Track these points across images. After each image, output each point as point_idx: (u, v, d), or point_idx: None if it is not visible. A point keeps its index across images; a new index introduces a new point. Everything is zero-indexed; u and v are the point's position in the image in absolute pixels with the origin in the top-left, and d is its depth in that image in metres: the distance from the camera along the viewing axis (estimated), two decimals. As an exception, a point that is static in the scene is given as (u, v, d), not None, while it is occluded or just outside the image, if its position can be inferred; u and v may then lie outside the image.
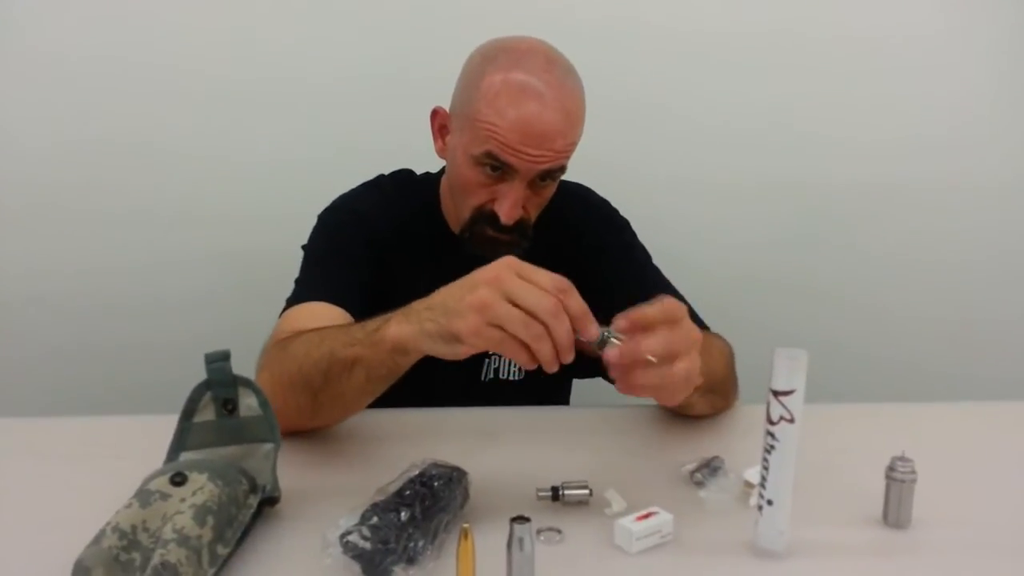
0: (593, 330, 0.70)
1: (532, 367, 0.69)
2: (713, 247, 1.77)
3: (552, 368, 0.69)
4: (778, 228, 1.79)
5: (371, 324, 0.80)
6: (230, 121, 1.65)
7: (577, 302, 0.69)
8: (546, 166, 0.99)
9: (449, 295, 0.73)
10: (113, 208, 1.68)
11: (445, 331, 0.71)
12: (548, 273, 0.70)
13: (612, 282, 1.12)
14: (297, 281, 1.08)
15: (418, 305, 0.76)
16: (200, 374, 0.79)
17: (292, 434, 0.89)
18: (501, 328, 0.67)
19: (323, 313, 0.97)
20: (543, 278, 0.69)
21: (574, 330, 0.69)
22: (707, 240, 1.76)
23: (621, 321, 0.70)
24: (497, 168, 0.99)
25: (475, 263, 0.73)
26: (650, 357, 0.69)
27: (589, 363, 0.81)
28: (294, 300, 1.02)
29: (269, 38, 1.62)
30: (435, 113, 1.10)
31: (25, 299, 1.70)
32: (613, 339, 0.70)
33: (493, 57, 1.00)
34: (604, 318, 0.73)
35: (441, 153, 1.11)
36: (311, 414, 0.88)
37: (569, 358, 0.69)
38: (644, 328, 0.70)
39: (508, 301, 0.67)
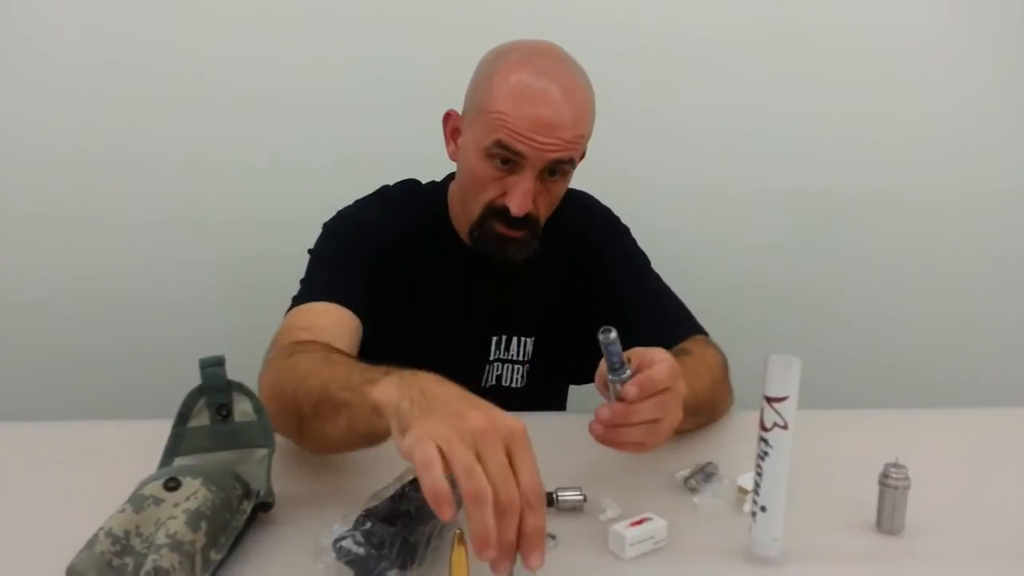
0: (535, 562, 0.59)
1: (447, 518, 0.58)
2: (711, 252, 1.77)
3: (479, 556, 0.58)
4: (775, 234, 1.80)
5: (372, 372, 0.73)
6: (229, 127, 1.65)
7: (537, 521, 0.59)
8: (555, 155, 0.99)
9: (445, 401, 0.65)
10: (109, 213, 1.68)
11: (406, 420, 0.64)
12: (533, 470, 0.61)
13: (612, 288, 1.14)
14: (303, 281, 1.08)
15: (418, 379, 0.69)
16: (195, 379, 0.79)
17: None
18: (444, 459, 0.58)
19: (329, 313, 0.97)
20: (524, 471, 0.60)
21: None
22: (704, 245, 1.77)
23: (631, 388, 0.72)
24: (507, 160, 1.00)
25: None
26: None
27: (587, 369, 0.81)
28: (300, 299, 1.02)
29: (269, 45, 1.62)
30: (447, 116, 1.11)
31: (21, 304, 1.70)
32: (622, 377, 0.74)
33: (505, 53, 1.03)
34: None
35: (453, 156, 1.11)
36: (297, 437, 0.86)
37: (501, 569, 0.59)
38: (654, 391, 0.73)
39: (476, 454, 0.59)
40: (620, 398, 0.74)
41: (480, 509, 0.57)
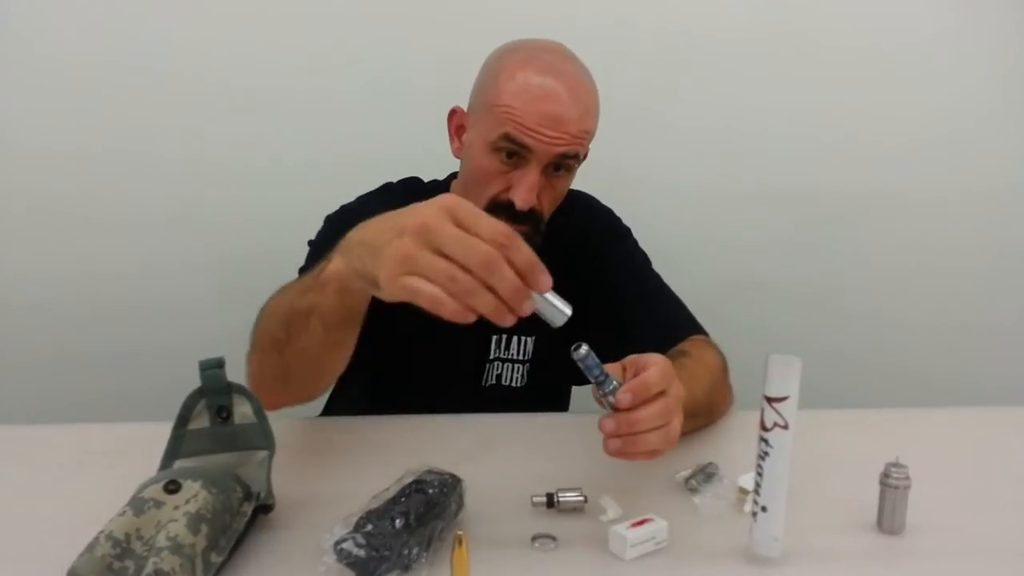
0: (544, 281, 0.63)
1: (470, 320, 0.62)
2: (711, 252, 1.77)
3: (504, 321, 0.62)
4: (775, 233, 1.80)
5: (316, 267, 0.76)
6: (228, 126, 1.65)
7: (522, 254, 0.62)
8: (561, 149, 1.00)
9: (377, 231, 0.67)
10: (109, 213, 1.68)
11: (368, 273, 0.66)
12: (489, 219, 0.62)
13: (613, 288, 1.14)
14: (300, 270, 1.08)
15: (352, 236, 0.72)
16: (195, 381, 0.79)
17: (280, 411, 0.87)
18: (426, 278, 0.61)
19: (289, 283, 0.97)
20: (482, 225, 0.62)
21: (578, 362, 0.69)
22: (705, 245, 1.77)
23: (625, 395, 0.72)
24: (513, 154, 1.01)
25: None
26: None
27: None
28: None
29: (269, 45, 1.63)
30: (453, 113, 1.11)
31: (20, 305, 1.70)
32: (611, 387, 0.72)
33: (512, 51, 1.04)
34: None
35: (457, 153, 1.12)
36: (282, 377, 0.86)
37: (524, 310, 0.63)
38: (647, 396, 0.72)
39: (435, 251, 0.61)
40: (615, 408, 0.73)
41: (477, 294, 0.61)
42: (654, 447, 0.73)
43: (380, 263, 0.64)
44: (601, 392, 0.73)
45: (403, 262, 0.62)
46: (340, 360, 0.85)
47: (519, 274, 0.62)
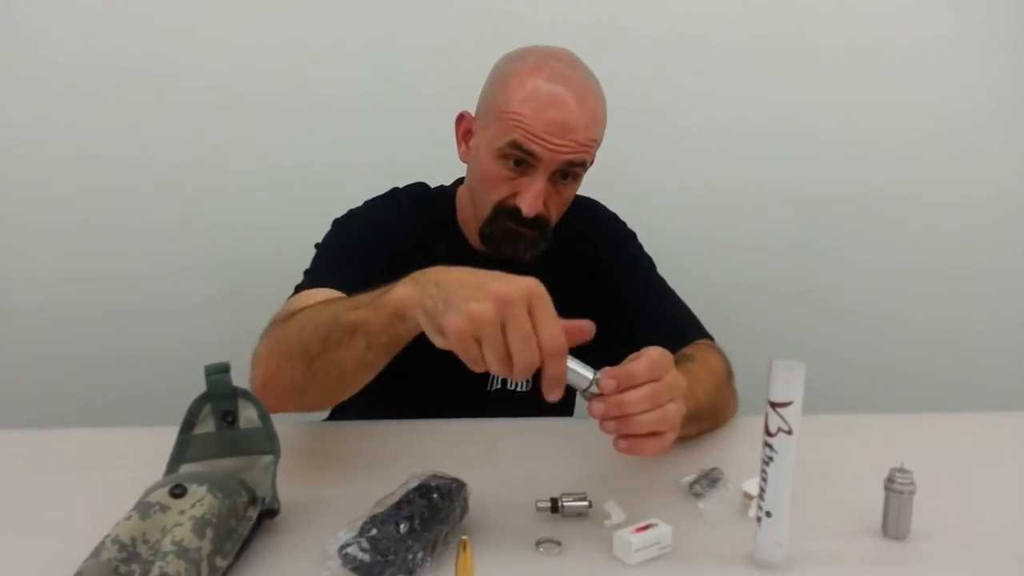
0: (552, 396, 0.69)
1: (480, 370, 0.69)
2: (715, 255, 1.77)
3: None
4: (779, 235, 1.79)
5: (379, 288, 0.79)
6: (230, 130, 1.65)
7: (557, 370, 0.68)
8: (568, 157, 1.00)
9: (460, 287, 0.71)
10: (112, 218, 1.68)
11: (436, 318, 0.70)
12: (553, 326, 0.67)
13: (617, 293, 1.14)
14: (307, 272, 1.08)
15: (431, 274, 0.75)
16: (200, 385, 0.79)
17: (285, 415, 0.87)
18: (479, 344, 0.67)
19: (334, 296, 0.97)
20: (546, 329, 0.67)
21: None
22: (709, 248, 1.76)
23: (608, 381, 0.71)
24: (520, 162, 1.01)
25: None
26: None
27: None
28: (304, 287, 1.03)
29: (272, 48, 1.63)
30: (460, 118, 1.12)
31: (24, 310, 1.70)
32: (596, 388, 0.71)
33: (520, 58, 1.04)
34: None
35: (464, 158, 1.12)
36: (302, 386, 0.86)
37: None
38: (631, 385, 0.71)
39: (502, 328, 0.66)
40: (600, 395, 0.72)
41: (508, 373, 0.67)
42: (650, 428, 0.71)
43: (453, 314, 0.68)
44: (586, 394, 0.72)
45: (476, 325, 0.66)
46: (365, 380, 0.86)
47: (543, 378, 0.68)
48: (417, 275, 0.76)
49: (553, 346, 0.67)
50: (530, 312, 0.67)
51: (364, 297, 0.80)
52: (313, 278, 1.04)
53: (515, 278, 0.68)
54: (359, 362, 0.82)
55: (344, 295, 0.95)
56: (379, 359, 0.83)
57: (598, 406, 0.71)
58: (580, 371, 0.71)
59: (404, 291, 0.75)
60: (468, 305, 0.67)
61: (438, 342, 0.71)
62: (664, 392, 0.72)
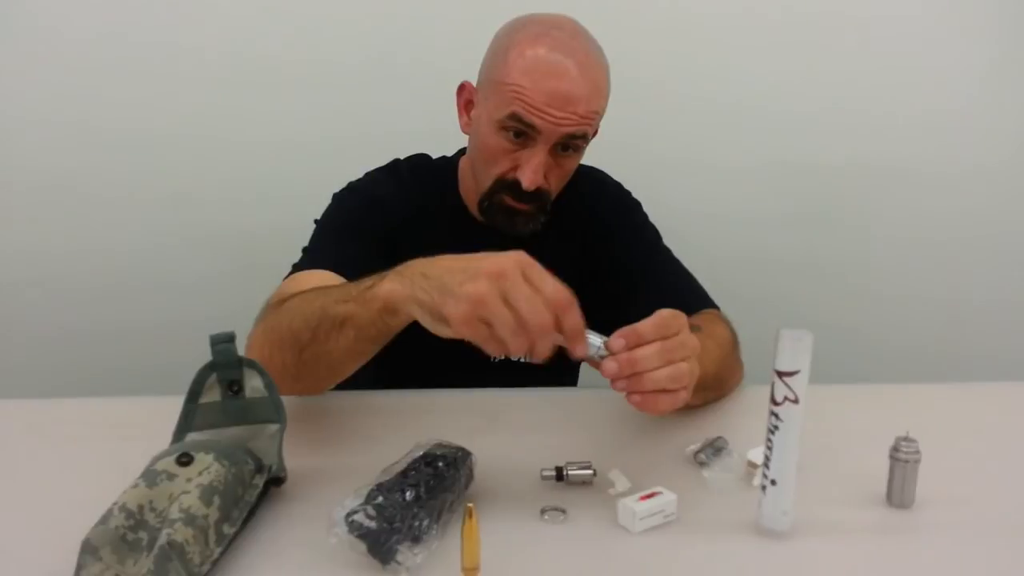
0: (579, 350, 0.70)
1: (500, 356, 0.69)
2: (721, 226, 1.76)
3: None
4: (786, 208, 1.79)
5: (366, 281, 0.79)
6: (232, 103, 1.64)
7: (574, 320, 0.68)
8: (569, 129, 0.99)
9: (449, 273, 0.70)
10: (115, 190, 1.68)
11: (435, 308, 0.70)
12: (553, 282, 0.68)
13: (623, 262, 1.14)
14: (305, 250, 1.08)
15: (415, 267, 0.74)
16: (206, 355, 0.79)
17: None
18: (489, 325, 0.67)
19: (328, 280, 0.97)
20: (547, 286, 0.67)
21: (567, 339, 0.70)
22: (715, 219, 1.76)
23: (617, 340, 0.71)
24: (520, 134, 1.00)
25: (493, 248, 0.72)
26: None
27: None
28: (301, 267, 1.03)
29: (272, 19, 1.61)
30: (462, 88, 1.10)
31: (28, 282, 1.71)
32: (606, 350, 0.71)
33: (522, 26, 1.02)
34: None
35: (465, 128, 1.11)
36: (294, 373, 0.87)
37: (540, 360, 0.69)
38: (639, 343, 0.71)
39: (504, 300, 0.66)
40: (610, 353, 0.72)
41: (523, 348, 0.67)
42: (661, 385, 0.71)
43: (452, 303, 0.67)
44: (594, 353, 0.72)
45: (477, 305, 0.66)
46: (358, 366, 0.87)
47: (564, 335, 0.68)
48: (401, 268, 0.76)
49: (560, 298, 0.67)
50: (526, 279, 0.67)
51: (352, 289, 0.80)
52: (310, 257, 1.04)
53: (500, 254, 0.69)
54: (349, 351, 0.83)
55: (337, 280, 0.95)
56: (370, 348, 0.84)
57: (610, 364, 0.71)
58: (589, 337, 0.71)
59: (392, 286, 0.75)
60: (464, 288, 0.67)
61: (443, 332, 0.70)
62: (675, 348, 0.72)
